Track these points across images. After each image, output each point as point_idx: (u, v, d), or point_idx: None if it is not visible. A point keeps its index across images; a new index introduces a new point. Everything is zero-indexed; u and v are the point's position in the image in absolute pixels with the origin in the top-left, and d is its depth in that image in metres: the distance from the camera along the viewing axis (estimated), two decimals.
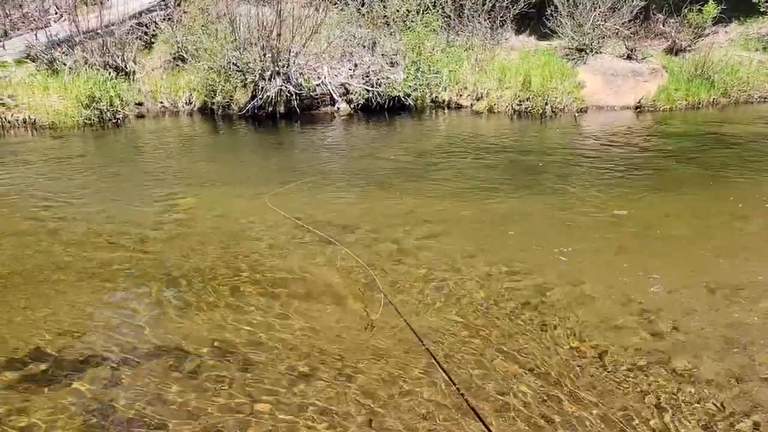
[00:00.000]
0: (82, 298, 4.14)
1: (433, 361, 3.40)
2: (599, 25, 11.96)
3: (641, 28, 12.28)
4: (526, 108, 10.89)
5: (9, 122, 9.53)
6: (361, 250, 4.87)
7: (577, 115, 10.82)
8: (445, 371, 3.31)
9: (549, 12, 12.25)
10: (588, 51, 11.97)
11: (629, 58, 12.02)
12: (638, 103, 11.40)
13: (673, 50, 12.88)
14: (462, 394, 3.13)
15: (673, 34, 13.02)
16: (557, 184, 6.62)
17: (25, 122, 9.62)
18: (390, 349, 3.55)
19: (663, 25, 13.29)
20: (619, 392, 3.17)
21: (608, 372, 3.33)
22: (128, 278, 4.47)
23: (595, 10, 11.92)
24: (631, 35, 12.05)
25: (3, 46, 10.65)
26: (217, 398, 3.14)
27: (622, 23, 11.95)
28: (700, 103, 11.60)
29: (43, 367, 3.38)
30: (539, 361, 3.43)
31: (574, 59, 11.93)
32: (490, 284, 4.33)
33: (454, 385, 3.20)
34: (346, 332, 3.73)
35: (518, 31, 13.04)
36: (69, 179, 6.91)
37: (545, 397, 3.12)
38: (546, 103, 10.86)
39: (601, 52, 12.03)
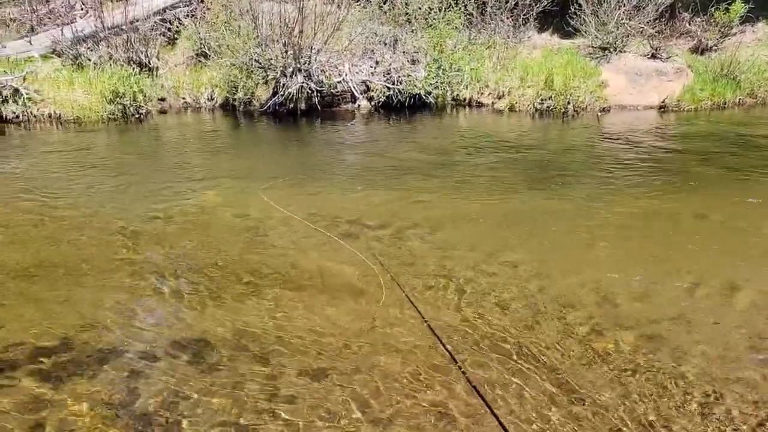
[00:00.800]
0: (104, 291, 4.20)
1: (452, 360, 3.40)
2: (623, 23, 11.82)
3: (666, 26, 12.10)
4: (547, 107, 10.80)
5: (35, 116, 9.67)
6: (374, 246, 4.87)
7: (599, 114, 10.72)
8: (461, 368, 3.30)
9: (572, 10, 12.13)
10: (611, 50, 11.84)
11: (654, 57, 11.87)
12: (662, 102, 11.26)
13: (699, 49, 12.70)
14: (474, 387, 3.12)
15: (699, 33, 12.83)
16: (578, 184, 6.57)
17: (50, 116, 9.74)
18: (408, 345, 3.55)
19: (689, 24, 13.10)
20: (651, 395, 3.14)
21: (647, 377, 3.30)
22: (149, 272, 4.52)
23: (619, 9, 11.79)
24: (656, 34, 11.90)
25: (30, 42, 10.80)
26: (235, 392, 3.16)
27: (647, 22, 11.80)
28: (725, 104, 11.42)
29: (66, 358, 3.42)
30: (562, 361, 3.40)
31: (597, 58, 11.82)
32: (506, 282, 4.30)
33: (470, 382, 3.19)
34: (366, 327, 3.73)
35: (541, 30, 12.93)
36: (92, 173, 6.99)
37: (573, 402, 3.10)
38: (568, 102, 10.77)
39: (624, 51, 11.90)
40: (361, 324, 3.78)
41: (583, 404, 3.06)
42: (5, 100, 9.56)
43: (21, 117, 9.60)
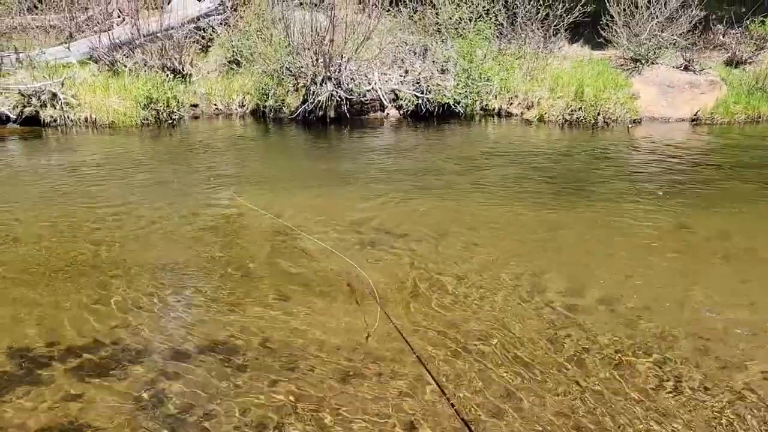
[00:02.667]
0: (135, 291, 4.28)
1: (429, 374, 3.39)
2: (656, 35, 11.70)
3: (700, 39, 11.95)
4: (577, 118, 10.72)
5: (72, 120, 9.91)
6: (392, 253, 4.90)
7: (630, 126, 10.60)
8: (439, 383, 3.29)
9: (604, 21, 12.05)
10: (643, 61, 11.72)
11: (686, 69, 11.71)
12: (694, 115, 11.09)
13: (733, 62, 12.48)
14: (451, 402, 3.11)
15: (733, 45, 12.63)
16: (606, 197, 6.50)
17: (86, 121, 9.98)
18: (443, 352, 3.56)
19: (723, 37, 12.90)
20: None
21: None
22: (179, 273, 4.60)
23: (652, 20, 11.67)
24: (690, 46, 11.75)
25: (68, 48, 11.08)
26: (262, 394, 3.20)
27: (680, 33, 11.65)
28: (760, 117, 11.19)
29: (98, 356, 3.50)
30: (587, 376, 3.38)
31: (628, 69, 11.70)
32: (526, 293, 4.29)
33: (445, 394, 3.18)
34: (396, 332, 3.75)
35: (572, 40, 12.85)
36: (125, 176, 7.14)
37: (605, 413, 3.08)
38: (598, 114, 10.68)
39: (657, 63, 11.77)
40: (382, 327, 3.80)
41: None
42: (44, 105, 9.83)
43: (58, 121, 9.85)
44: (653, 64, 11.75)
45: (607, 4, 11.85)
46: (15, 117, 9.73)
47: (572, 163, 8.17)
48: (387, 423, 2.99)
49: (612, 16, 11.92)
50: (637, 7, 11.72)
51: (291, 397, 3.16)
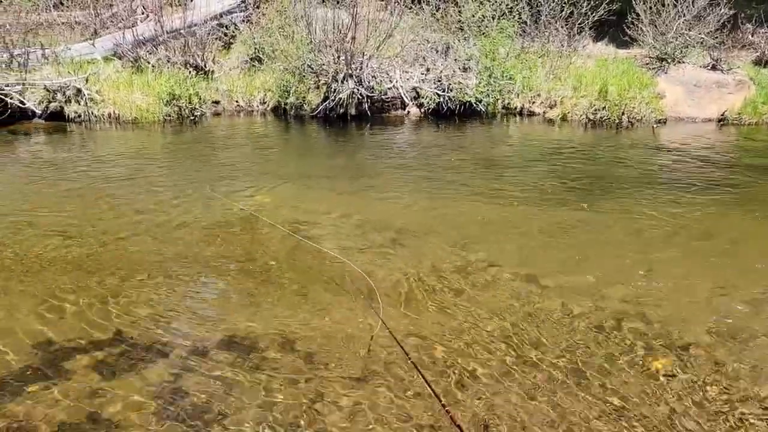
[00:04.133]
0: (157, 288, 4.29)
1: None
2: (683, 33, 11.50)
3: (728, 37, 11.71)
4: (601, 117, 10.59)
5: (95, 116, 10.00)
6: (411, 253, 4.86)
7: (655, 126, 10.44)
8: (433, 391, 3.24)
9: (629, 20, 11.88)
10: (669, 60, 11.53)
11: (714, 68, 11.51)
12: (721, 115, 10.90)
13: (762, 62, 12.24)
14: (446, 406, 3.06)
15: (762, 44, 12.38)
16: (629, 198, 6.40)
17: (110, 116, 10.06)
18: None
19: (752, 36, 12.65)
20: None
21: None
22: (199, 269, 4.61)
23: (679, 19, 11.48)
24: (717, 45, 11.53)
25: (93, 44, 11.18)
26: (280, 391, 3.19)
27: (708, 32, 11.45)
28: None
29: (120, 351, 3.52)
30: (615, 381, 3.32)
31: (654, 68, 11.53)
32: (547, 296, 4.22)
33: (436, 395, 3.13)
34: (419, 330, 3.72)
35: (596, 39, 12.69)
36: (148, 172, 7.18)
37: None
38: (623, 113, 10.53)
39: (683, 62, 11.57)
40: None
41: None
42: (69, 100, 9.93)
43: (82, 116, 9.94)
44: (679, 63, 11.56)
45: (633, 2, 11.69)
46: (40, 112, 9.83)
47: (596, 164, 8.06)
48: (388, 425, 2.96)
49: (638, 14, 11.75)
50: (663, 5, 11.53)
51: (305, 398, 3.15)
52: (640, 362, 3.45)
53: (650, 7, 11.64)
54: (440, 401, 3.09)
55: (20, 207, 5.90)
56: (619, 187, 6.87)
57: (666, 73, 11.46)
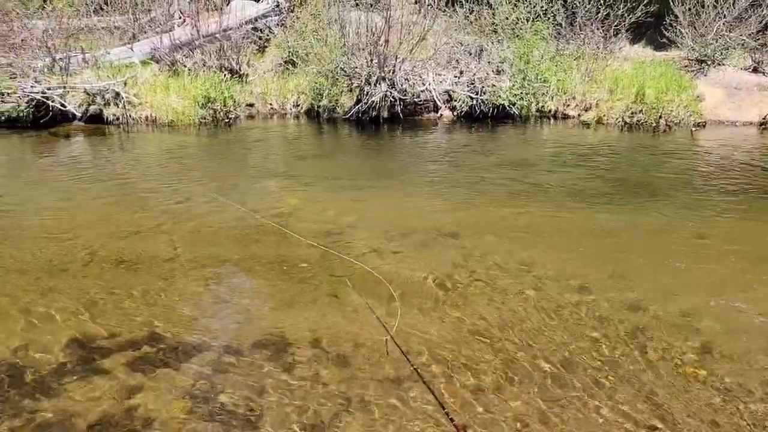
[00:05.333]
0: (191, 288, 4.35)
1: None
2: (723, 35, 11.24)
3: None
4: (637, 121, 10.39)
5: (133, 119, 10.20)
6: (439, 256, 4.82)
7: (693, 130, 10.20)
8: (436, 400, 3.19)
9: (668, 21, 11.66)
10: (709, 62, 11.28)
11: (755, 70, 11.22)
12: (763, 119, 10.60)
13: None
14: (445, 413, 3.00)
15: None
16: (666, 203, 6.26)
17: (146, 119, 10.25)
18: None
19: None
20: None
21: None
22: (233, 270, 4.66)
23: (719, 20, 11.23)
24: (759, 47, 11.24)
25: (131, 48, 11.41)
26: (312, 392, 3.19)
27: (749, 34, 11.17)
28: None
29: (156, 349, 3.57)
30: (648, 384, 3.25)
31: (693, 71, 11.29)
32: (580, 299, 4.15)
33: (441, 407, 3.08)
34: (451, 334, 3.69)
35: (633, 41, 12.48)
36: (183, 173, 7.29)
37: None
38: (660, 116, 10.32)
39: (723, 64, 11.31)
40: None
41: None
42: (107, 103, 10.14)
43: (120, 119, 10.15)
44: (719, 65, 11.30)
45: (672, 4, 11.48)
46: (80, 115, 10.06)
47: (633, 168, 7.91)
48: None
49: (676, 16, 11.53)
50: (703, 6, 11.30)
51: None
52: (681, 371, 3.37)
53: (689, 9, 11.42)
54: (445, 413, 3.06)
55: (61, 206, 6.05)
56: (657, 192, 6.73)
57: (705, 75, 11.21)
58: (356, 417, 3.02)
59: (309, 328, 3.80)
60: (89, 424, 2.96)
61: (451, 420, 2.97)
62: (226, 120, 10.52)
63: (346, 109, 10.61)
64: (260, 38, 12.22)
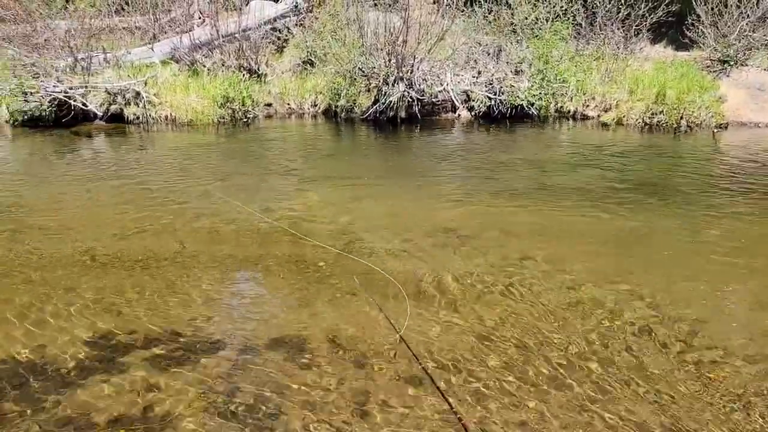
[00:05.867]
0: (210, 285, 4.37)
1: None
2: (746, 35, 11.08)
3: None
4: (658, 122, 10.28)
5: (153, 118, 10.30)
6: (456, 257, 4.80)
7: (715, 131, 10.07)
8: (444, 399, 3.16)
9: (689, 21, 11.52)
10: (732, 63, 11.13)
11: None
12: None
13: None
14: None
15: None
16: (686, 206, 6.19)
17: (166, 119, 10.35)
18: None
19: None
20: None
21: None
22: (251, 269, 4.68)
23: (742, 20, 11.07)
24: None
25: (152, 48, 11.52)
26: (330, 392, 3.20)
27: None
28: None
29: (175, 346, 3.59)
30: (670, 389, 3.21)
31: (715, 71, 11.14)
32: (595, 302, 4.11)
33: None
34: (465, 337, 3.67)
35: (654, 41, 12.35)
36: (203, 172, 7.34)
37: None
38: (681, 117, 10.20)
39: (746, 65, 11.14)
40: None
41: None
42: (128, 103, 10.25)
43: (141, 118, 10.26)
44: (742, 65, 11.14)
45: (694, 4, 11.33)
46: (101, 114, 10.18)
47: (653, 169, 7.82)
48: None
49: (698, 16, 11.38)
50: (726, 6, 11.14)
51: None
52: (700, 374, 3.33)
53: (712, 8, 11.27)
54: (453, 413, 3.04)
55: (82, 204, 6.12)
56: (678, 194, 6.65)
57: (728, 76, 11.07)
58: (364, 414, 3.01)
59: (325, 327, 3.80)
60: (108, 419, 2.98)
61: (459, 419, 2.96)
62: (245, 119, 10.59)
63: (364, 109, 10.62)
64: (279, 38, 12.27)
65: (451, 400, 3.11)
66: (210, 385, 3.24)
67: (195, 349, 3.57)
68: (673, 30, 12.02)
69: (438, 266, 4.65)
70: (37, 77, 9.96)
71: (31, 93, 9.77)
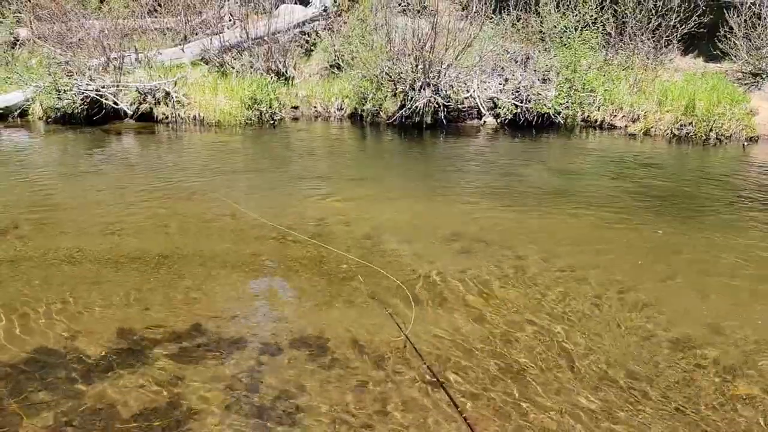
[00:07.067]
0: (233, 284, 4.44)
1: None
2: None
3: None
4: (687, 133, 10.15)
5: (182, 118, 10.46)
6: (478, 263, 4.80)
7: (745, 144, 9.90)
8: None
9: (722, 33, 11.36)
10: (764, 76, 10.95)
11: None
12: None
13: None
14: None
15: None
16: (716, 219, 6.10)
17: (194, 119, 10.50)
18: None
19: None
20: None
21: None
22: (274, 269, 4.73)
23: None
24: None
25: (182, 50, 11.70)
26: (349, 392, 3.22)
27: None
28: None
29: (198, 343, 3.65)
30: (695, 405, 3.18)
31: (747, 84, 10.97)
32: (623, 318, 4.07)
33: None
34: (480, 343, 3.67)
35: (685, 52, 12.20)
36: (229, 173, 7.44)
37: None
38: (710, 129, 10.06)
39: None
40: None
41: None
42: (158, 102, 10.43)
43: (170, 118, 10.42)
44: None
45: (727, 15, 11.17)
46: (132, 113, 10.37)
47: (680, 181, 7.72)
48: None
49: (731, 28, 11.22)
50: (759, 18, 10.97)
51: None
52: (722, 389, 3.29)
53: (745, 20, 11.11)
54: (460, 416, 3.04)
55: (111, 201, 6.24)
56: (706, 207, 6.56)
57: (760, 89, 10.89)
58: (372, 412, 3.03)
59: (344, 328, 3.83)
60: (133, 413, 3.04)
61: (465, 419, 2.97)
62: (271, 122, 10.69)
63: (390, 114, 10.65)
64: (307, 42, 12.38)
65: (448, 395, 3.11)
66: (232, 381, 3.29)
67: (217, 346, 3.62)
68: (704, 41, 11.87)
69: (455, 272, 4.65)
70: (71, 75, 10.17)
71: (65, 91, 9.99)
